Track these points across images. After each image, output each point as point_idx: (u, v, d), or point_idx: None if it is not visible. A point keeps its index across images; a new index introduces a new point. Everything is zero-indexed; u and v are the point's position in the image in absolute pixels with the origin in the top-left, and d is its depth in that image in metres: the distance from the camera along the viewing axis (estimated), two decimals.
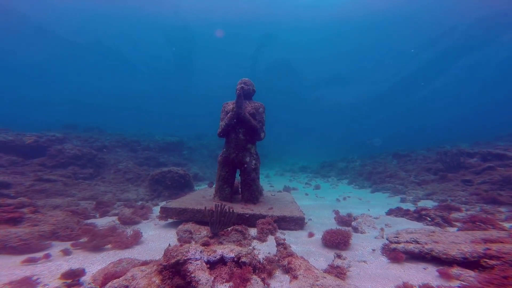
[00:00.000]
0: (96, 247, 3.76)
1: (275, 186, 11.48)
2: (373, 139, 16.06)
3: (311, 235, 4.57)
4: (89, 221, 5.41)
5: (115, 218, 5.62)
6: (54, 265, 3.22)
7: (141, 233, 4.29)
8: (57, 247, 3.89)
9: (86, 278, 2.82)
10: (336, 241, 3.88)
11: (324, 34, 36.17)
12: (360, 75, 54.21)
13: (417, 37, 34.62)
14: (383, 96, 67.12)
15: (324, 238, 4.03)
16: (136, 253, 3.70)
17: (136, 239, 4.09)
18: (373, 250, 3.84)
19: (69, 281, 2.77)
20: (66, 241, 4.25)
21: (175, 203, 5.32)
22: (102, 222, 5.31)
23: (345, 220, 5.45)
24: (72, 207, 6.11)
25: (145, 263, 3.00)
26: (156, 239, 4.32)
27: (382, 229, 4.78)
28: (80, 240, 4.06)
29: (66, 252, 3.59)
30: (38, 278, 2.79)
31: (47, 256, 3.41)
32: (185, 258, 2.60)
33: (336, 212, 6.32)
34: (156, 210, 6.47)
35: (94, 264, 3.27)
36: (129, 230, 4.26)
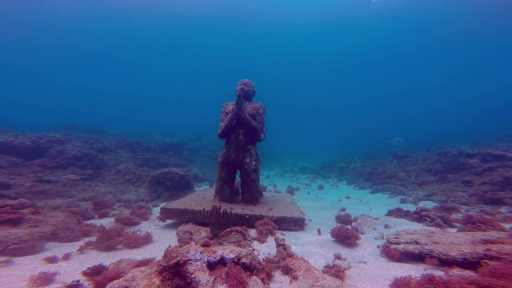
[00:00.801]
0: (109, 247, 3.86)
1: (277, 187, 11.48)
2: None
3: (311, 236, 4.57)
4: (88, 222, 5.41)
5: (114, 219, 5.62)
6: (74, 263, 3.34)
7: (152, 235, 4.34)
8: (56, 248, 3.90)
9: (85, 279, 2.82)
10: (350, 234, 4.08)
11: (326, 34, 36.02)
12: (360, 77, 54.29)
13: (416, 39, 34.56)
14: (383, 97, 67.29)
15: (338, 230, 4.22)
16: (136, 253, 3.70)
17: (147, 240, 4.17)
18: (373, 251, 3.83)
19: (92, 277, 2.83)
20: (65, 242, 4.25)
21: (175, 204, 5.32)
22: (103, 223, 5.31)
23: (346, 220, 5.51)
24: (72, 208, 6.12)
25: (144, 263, 3.00)
26: (156, 240, 4.32)
27: (386, 226, 4.78)
28: (92, 240, 4.12)
29: (82, 251, 3.75)
30: (57, 275, 2.92)
31: (67, 256, 3.51)
32: (185, 259, 2.60)
33: (343, 210, 6.42)
34: (156, 210, 6.47)
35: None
36: (143, 232, 4.31)
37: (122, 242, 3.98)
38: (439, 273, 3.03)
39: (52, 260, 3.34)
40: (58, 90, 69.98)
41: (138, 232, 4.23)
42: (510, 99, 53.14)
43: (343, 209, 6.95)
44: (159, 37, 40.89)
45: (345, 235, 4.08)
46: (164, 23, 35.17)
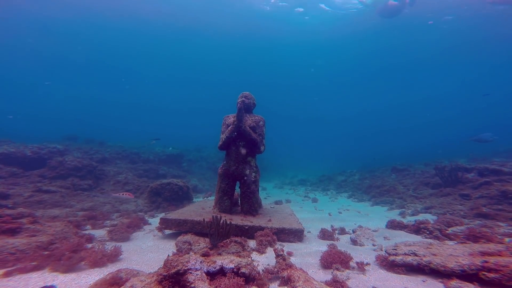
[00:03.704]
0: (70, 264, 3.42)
1: (273, 199, 11.41)
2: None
3: (310, 247, 4.56)
4: (86, 232, 5.38)
5: (112, 228, 5.58)
6: None
7: (122, 251, 3.96)
8: None
9: None
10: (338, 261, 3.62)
11: (326, 45, 36.38)
12: (360, 89, 55.15)
13: (418, 50, 34.68)
14: (382, 111, 68.31)
15: (322, 258, 3.76)
16: (134, 263, 3.68)
17: (114, 256, 3.79)
18: (372, 262, 3.83)
19: None
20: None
21: (175, 215, 5.34)
22: (100, 233, 5.29)
23: (329, 234, 5.32)
24: (70, 218, 6.09)
25: (143, 273, 3.00)
26: (155, 250, 4.30)
27: (385, 238, 4.78)
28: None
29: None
30: None
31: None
32: (185, 268, 2.63)
33: (332, 228, 6.29)
34: (155, 221, 6.44)
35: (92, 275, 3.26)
36: (110, 246, 3.93)
37: (85, 259, 3.52)
38: (436, 284, 3.04)
39: None
40: (59, 100, 70.58)
41: (98, 247, 3.79)
42: (507, 114, 53.88)
43: (342, 221, 6.94)
44: (159, 48, 41.18)
45: (332, 261, 3.61)
46: (163, 33, 35.45)
